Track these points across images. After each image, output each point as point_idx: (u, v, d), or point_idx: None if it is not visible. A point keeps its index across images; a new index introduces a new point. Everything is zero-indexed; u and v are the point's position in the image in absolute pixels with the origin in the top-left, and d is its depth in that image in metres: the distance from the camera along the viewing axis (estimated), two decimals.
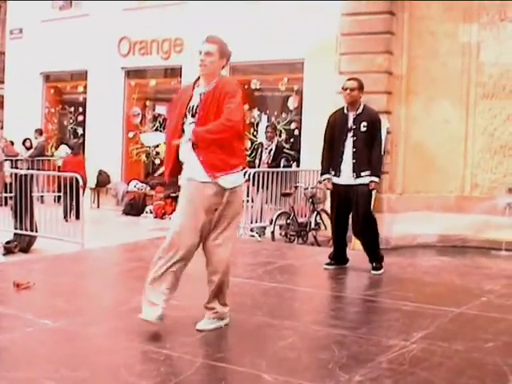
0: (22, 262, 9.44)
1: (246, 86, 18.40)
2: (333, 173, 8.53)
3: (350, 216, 8.61)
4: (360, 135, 8.31)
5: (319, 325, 6.09)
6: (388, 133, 14.45)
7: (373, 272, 8.44)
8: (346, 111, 8.46)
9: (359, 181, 8.34)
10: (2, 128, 24.54)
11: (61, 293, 7.10)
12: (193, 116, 5.63)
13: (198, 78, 5.82)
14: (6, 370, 4.60)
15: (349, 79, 8.65)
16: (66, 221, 15.14)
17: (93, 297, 7.21)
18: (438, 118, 14.83)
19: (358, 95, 8.42)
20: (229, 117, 5.46)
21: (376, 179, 8.39)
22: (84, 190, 18.56)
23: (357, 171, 8.32)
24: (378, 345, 5.45)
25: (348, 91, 8.38)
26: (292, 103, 17.60)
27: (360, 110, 8.40)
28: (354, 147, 8.32)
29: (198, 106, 5.63)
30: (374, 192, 8.65)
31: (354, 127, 8.33)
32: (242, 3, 17.61)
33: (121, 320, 6.02)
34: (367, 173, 8.33)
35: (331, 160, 8.55)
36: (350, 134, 8.34)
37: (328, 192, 13.94)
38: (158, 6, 19.59)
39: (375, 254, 8.58)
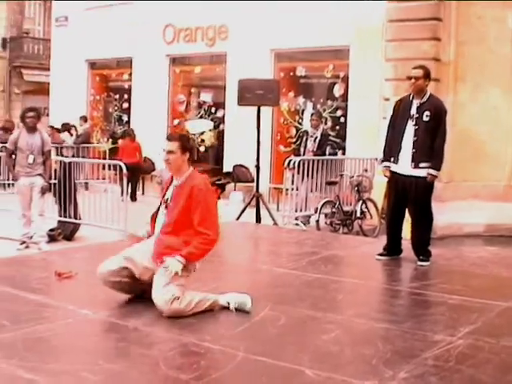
0: (64, 251, 9.45)
1: (292, 73, 18.30)
2: (392, 159, 8.39)
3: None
4: (422, 124, 8.12)
5: (363, 318, 5.98)
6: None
7: (419, 263, 8.28)
8: (411, 98, 8.30)
9: (417, 172, 8.17)
10: (47, 115, 24.69)
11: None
12: (166, 207, 6.16)
13: None
14: (45, 362, 4.58)
15: (414, 67, 8.45)
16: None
17: None
18: (486, 105, 14.53)
19: (424, 84, 8.24)
20: (208, 236, 5.92)
21: (434, 172, 8.21)
22: (139, 176, 18.85)
23: (416, 161, 8.14)
24: (424, 340, 5.34)
25: (413, 80, 8.21)
26: (338, 90, 17.40)
27: (425, 99, 8.22)
28: (415, 136, 8.13)
29: (171, 198, 6.12)
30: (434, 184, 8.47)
31: (417, 116, 8.15)
32: None
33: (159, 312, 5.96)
34: (426, 164, 8.15)
35: (392, 147, 8.40)
36: (413, 123, 8.16)
37: (374, 180, 13.98)
38: None
39: (424, 250, 8.42)
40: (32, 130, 11.03)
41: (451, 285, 7.28)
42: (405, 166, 8.22)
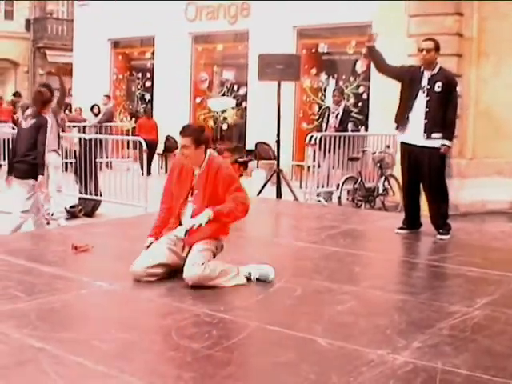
0: (82, 226, 9.46)
1: (314, 50, 18.26)
2: (396, 126, 8.38)
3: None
4: (434, 95, 8.05)
5: (379, 290, 5.92)
6: (458, 96, 14.08)
7: (439, 237, 8.20)
8: (421, 70, 8.22)
9: (430, 143, 8.09)
10: (70, 95, 24.74)
11: (119, 256, 7.06)
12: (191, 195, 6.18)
13: None
14: (54, 331, 4.57)
15: (425, 40, 8.39)
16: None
17: None
18: (509, 80, 14.35)
19: (434, 56, 8.19)
20: (242, 204, 5.97)
21: (448, 142, 8.15)
22: (154, 153, 18.89)
23: (428, 132, 8.07)
24: (440, 311, 5.27)
25: (424, 52, 8.15)
26: (360, 67, 17.31)
27: (436, 71, 8.16)
28: (427, 107, 8.06)
29: (195, 187, 6.13)
30: (447, 157, 8.41)
31: (429, 87, 8.08)
32: None
33: (175, 283, 5.93)
34: (439, 135, 8.08)
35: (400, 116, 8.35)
36: (424, 94, 8.09)
37: (396, 157, 13.86)
38: None
39: (443, 223, 8.33)
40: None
41: (470, 257, 7.19)
42: (417, 136, 8.17)
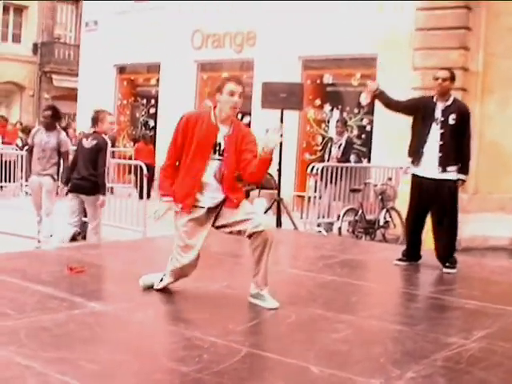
0: (80, 247, 9.38)
1: (318, 81, 18.24)
2: (411, 160, 8.25)
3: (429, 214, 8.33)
4: (448, 128, 7.94)
5: (375, 319, 5.83)
6: None
7: (446, 271, 8.07)
8: (434, 100, 8.13)
9: (445, 176, 7.98)
10: (74, 120, 24.79)
11: (114, 278, 7.03)
12: (219, 154, 5.98)
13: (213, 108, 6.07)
14: (43, 350, 4.48)
15: (441, 69, 8.37)
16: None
17: None
18: None
19: (450, 86, 8.10)
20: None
21: (465, 177, 8.11)
22: (153, 179, 18.79)
23: (443, 165, 7.95)
24: (435, 342, 5.18)
25: (440, 81, 8.04)
26: (364, 99, 17.24)
27: (450, 102, 8.06)
28: (441, 140, 7.95)
29: (223, 146, 5.97)
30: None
31: (443, 119, 7.97)
32: None
33: (170, 306, 5.88)
34: (454, 168, 7.99)
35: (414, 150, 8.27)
36: (438, 126, 7.98)
37: (398, 189, 13.81)
38: None
39: (450, 257, 8.21)
40: (49, 128, 10.71)
41: (469, 290, 7.11)
42: (431, 169, 8.04)
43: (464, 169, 8.07)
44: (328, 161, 14.25)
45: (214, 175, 5.96)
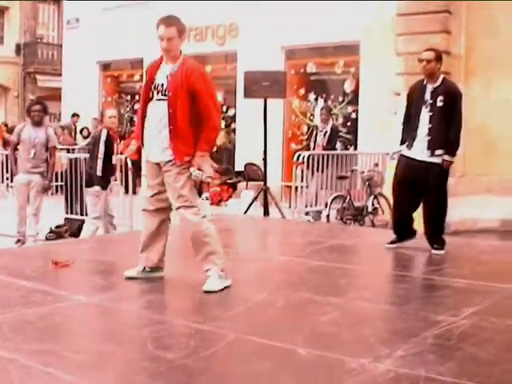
0: (66, 243, 9.32)
1: (302, 71, 18.18)
2: (406, 143, 8.11)
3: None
4: (437, 110, 7.80)
5: (364, 301, 5.78)
6: None
7: (434, 252, 8.01)
8: (424, 83, 8.00)
9: (433, 159, 7.86)
10: (59, 120, 24.70)
11: (100, 271, 6.93)
12: (162, 94, 5.82)
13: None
14: (26, 343, 4.40)
15: (425, 50, 8.12)
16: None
17: None
18: (498, 98, 14.30)
19: (436, 67, 7.91)
20: (214, 120, 5.89)
21: (449, 158, 7.89)
22: (138, 174, 18.68)
23: (431, 149, 7.83)
24: (425, 320, 5.13)
25: (424, 63, 7.88)
26: (348, 86, 17.25)
27: (438, 83, 7.90)
28: (429, 123, 7.83)
29: (166, 86, 5.79)
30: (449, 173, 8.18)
31: (431, 101, 7.84)
32: None
33: (156, 296, 5.81)
34: (442, 151, 7.85)
35: (407, 134, 8.14)
36: (427, 109, 7.86)
37: (385, 175, 13.75)
38: None
39: (439, 238, 8.15)
40: (37, 124, 10.63)
41: (458, 270, 7.08)
42: (420, 152, 7.93)
43: (449, 150, 7.91)
44: (314, 149, 14.19)
45: (160, 119, 5.83)
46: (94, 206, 10.50)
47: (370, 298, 5.96)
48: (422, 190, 8.07)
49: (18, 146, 10.66)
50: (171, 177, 5.84)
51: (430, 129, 7.86)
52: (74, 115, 21.96)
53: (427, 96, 7.91)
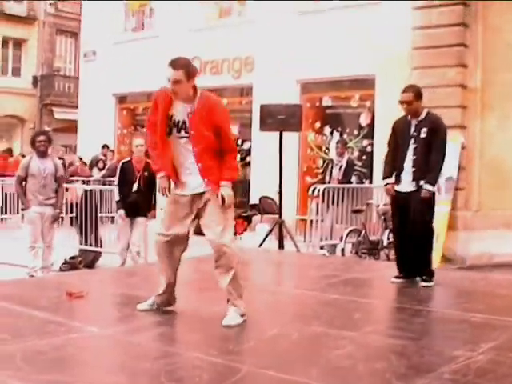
0: (80, 274, 9.30)
1: (318, 104, 18.19)
2: (393, 180, 8.22)
3: None
4: (420, 142, 7.94)
5: (379, 335, 5.72)
6: (463, 148, 14.02)
7: (423, 284, 7.99)
8: (409, 118, 8.11)
9: (416, 188, 7.97)
10: (75, 153, 24.82)
11: (114, 302, 6.93)
12: (184, 131, 5.81)
13: None
14: (38, 373, 4.37)
15: (403, 91, 8.16)
16: None
17: None
18: None
19: (417, 105, 8.02)
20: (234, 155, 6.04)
21: (429, 187, 7.95)
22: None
23: (417, 179, 7.96)
24: (441, 355, 5.05)
25: (405, 105, 8.02)
26: (364, 120, 17.24)
27: (422, 117, 8.03)
28: (414, 155, 7.97)
29: (187, 124, 5.79)
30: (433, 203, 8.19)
31: (416, 134, 7.98)
32: (310, 20, 17.41)
33: (169, 328, 5.77)
34: (424, 181, 7.94)
35: (393, 168, 8.24)
36: (412, 142, 7.98)
37: None
38: (228, 25, 19.59)
39: (426, 269, 8.11)
40: (43, 154, 10.61)
41: (475, 304, 7.00)
42: (407, 185, 8.07)
43: (430, 179, 7.97)
44: (329, 182, 14.17)
45: (186, 157, 5.86)
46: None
47: (385, 331, 5.91)
48: (408, 219, 8.09)
49: (26, 179, 10.59)
50: (214, 203, 5.85)
51: (414, 160, 8.00)
52: (105, 147, 21.95)
53: (412, 130, 8.05)
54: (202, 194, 5.87)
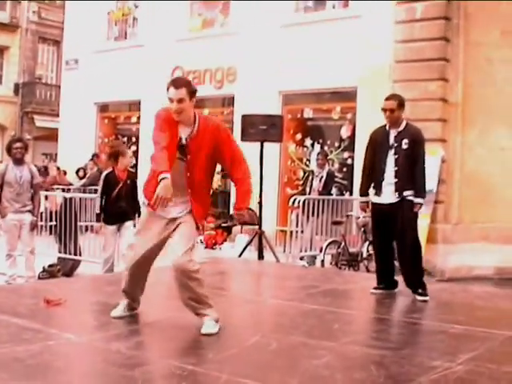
0: (58, 282, 9.25)
1: (299, 115, 18.23)
2: (373, 192, 8.21)
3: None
4: (402, 153, 7.92)
5: (358, 345, 5.71)
6: (443, 161, 14.06)
7: (419, 298, 7.91)
8: (387, 129, 8.11)
9: (402, 199, 7.93)
10: (55, 161, 24.69)
11: (91, 310, 6.89)
12: (182, 154, 5.72)
13: None
14: (15, 380, 4.34)
15: (387, 98, 8.19)
16: None
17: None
18: (494, 146, 14.32)
19: (399, 114, 8.04)
20: (247, 171, 5.98)
21: (421, 201, 7.99)
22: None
23: (400, 190, 7.94)
24: (420, 365, 5.06)
25: (388, 113, 8.01)
26: (345, 132, 17.28)
27: (402, 127, 8.03)
28: (395, 166, 7.94)
29: (185, 147, 5.72)
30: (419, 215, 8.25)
31: (396, 145, 7.95)
32: (292, 32, 17.48)
33: (148, 336, 5.74)
34: (410, 192, 7.93)
35: (371, 180, 8.25)
36: (392, 152, 7.95)
37: None
38: (211, 35, 19.62)
39: (420, 282, 8.08)
40: (19, 161, 10.54)
41: (454, 315, 7.01)
42: (388, 197, 8.03)
43: (419, 193, 7.99)
44: (309, 194, 14.19)
45: (180, 178, 5.65)
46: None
47: (364, 342, 5.90)
48: (394, 231, 8.09)
49: (2, 187, 10.48)
50: (187, 224, 5.79)
51: (396, 171, 7.96)
52: (94, 156, 21.81)
53: (391, 140, 8.02)
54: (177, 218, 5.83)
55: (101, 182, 10.76)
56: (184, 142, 5.71)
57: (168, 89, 5.70)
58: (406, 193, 7.93)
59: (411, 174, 7.94)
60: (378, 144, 8.17)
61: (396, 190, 7.95)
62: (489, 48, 14.30)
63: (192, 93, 5.71)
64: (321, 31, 17.09)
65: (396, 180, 7.94)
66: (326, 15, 17.46)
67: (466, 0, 14.09)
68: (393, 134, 8.01)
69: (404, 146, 7.92)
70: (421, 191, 8.02)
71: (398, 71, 14.73)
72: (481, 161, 14.28)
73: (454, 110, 14.38)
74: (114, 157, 10.58)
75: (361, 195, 8.48)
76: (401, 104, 8.06)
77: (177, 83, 5.71)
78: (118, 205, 10.60)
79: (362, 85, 16.30)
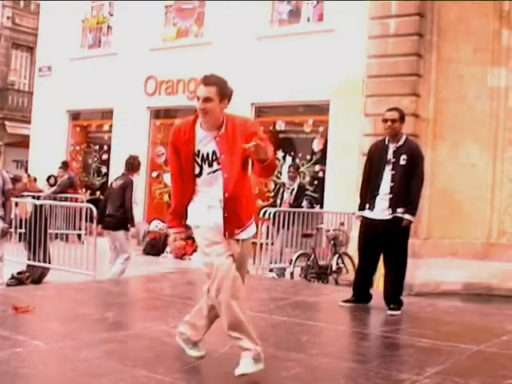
0: (27, 289, 9.19)
1: (271, 127, 18.26)
2: (367, 206, 8.12)
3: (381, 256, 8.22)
4: (399, 169, 7.83)
5: (327, 357, 5.72)
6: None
7: (390, 312, 7.90)
8: (386, 142, 8.03)
9: (394, 217, 7.85)
10: (26, 169, 24.57)
11: (60, 318, 6.86)
12: (211, 164, 5.08)
13: (196, 116, 5.15)
14: None
15: (389, 109, 8.14)
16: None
17: (92, 322, 6.82)
18: (464, 162, 14.46)
19: (400, 126, 7.97)
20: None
21: (411, 218, 7.90)
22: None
23: (393, 207, 7.84)
24: (388, 378, 5.09)
25: (389, 123, 7.92)
26: (317, 145, 17.35)
27: (401, 142, 7.94)
28: (392, 181, 7.85)
29: (216, 151, 5.06)
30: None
31: (394, 160, 7.87)
32: (267, 44, 17.55)
33: (117, 345, 5.71)
34: (403, 209, 7.83)
35: (368, 194, 8.14)
36: (389, 167, 7.88)
37: (351, 235, 13.77)
38: (185, 45, 19.64)
39: (396, 299, 8.08)
40: None
41: (421, 329, 7.03)
42: (381, 212, 7.93)
43: (410, 210, 7.90)
44: (280, 206, 14.22)
45: (217, 191, 5.10)
46: (124, 249, 11.20)
47: (333, 354, 5.91)
48: (384, 248, 8.06)
49: None
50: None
51: (391, 187, 7.87)
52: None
53: (390, 155, 7.93)
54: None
55: (134, 188, 11.45)
56: (214, 144, 5.06)
57: (199, 85, 5.10)
58: (399, 210, 7.84)
59: (406, 190, 7.84)
60: (375, 157, 8.09)
61: (389, 206, 7.86)
62: (461, 64, 14.44)
63: (224, 94, 4.98)
64: (295, 44, 17.21)
65: (391, 196, 7.85)
66: (300, 28, 17.58)
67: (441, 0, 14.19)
68: (392, 148, 7.93)
69: (402, 162, 7.83)
70: (412, 208, 7.91)
71: (371, 86, 14.81)
72: (451, 176, 14.38)
73: (425, 126, 14.48)
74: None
75: (359, 210, 8.32)
76: (402, 117, 8.02)
77: (208, 80, 5.00)
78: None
79: (334, 98, 16.40)
